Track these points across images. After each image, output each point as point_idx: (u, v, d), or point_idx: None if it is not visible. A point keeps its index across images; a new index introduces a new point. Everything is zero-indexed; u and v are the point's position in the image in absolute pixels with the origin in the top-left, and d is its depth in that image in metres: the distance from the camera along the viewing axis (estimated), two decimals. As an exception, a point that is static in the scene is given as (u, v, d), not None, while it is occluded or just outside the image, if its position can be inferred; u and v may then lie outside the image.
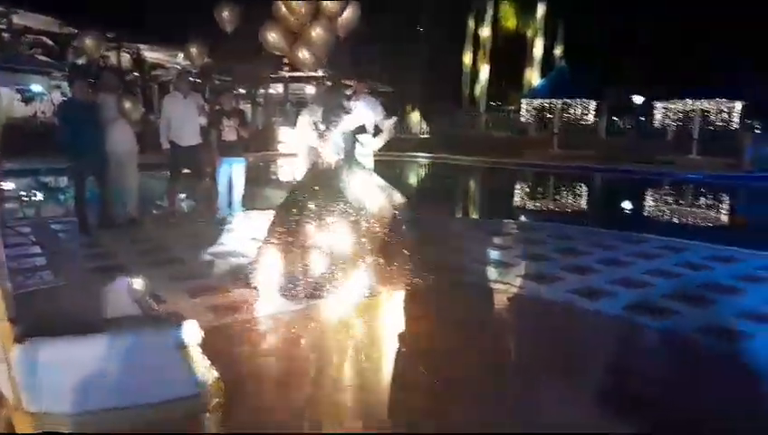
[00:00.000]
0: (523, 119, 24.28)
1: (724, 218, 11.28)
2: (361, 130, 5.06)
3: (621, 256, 6.01)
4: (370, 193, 4.77)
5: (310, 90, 23.08)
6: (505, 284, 5.00)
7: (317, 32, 5.60)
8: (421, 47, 25.05)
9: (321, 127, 4.84)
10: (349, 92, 5.88)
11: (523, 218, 9.92)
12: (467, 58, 31.58)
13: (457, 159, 20.11)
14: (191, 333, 2.24)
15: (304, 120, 5.87)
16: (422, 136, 27.89)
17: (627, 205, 12.99)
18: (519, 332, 4.17)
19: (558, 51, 30.42)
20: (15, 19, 19.60)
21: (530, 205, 12.50)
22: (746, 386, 3.29)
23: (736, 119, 19.80)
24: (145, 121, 7.29)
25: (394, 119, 5.83)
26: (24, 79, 18.91)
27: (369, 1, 6.72)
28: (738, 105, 19.84)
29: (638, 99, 28.93)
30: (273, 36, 5.81)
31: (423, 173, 19.49)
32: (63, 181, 11.13)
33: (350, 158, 4.88)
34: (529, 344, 3.87)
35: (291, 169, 6.72)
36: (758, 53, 22.17)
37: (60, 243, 6.43)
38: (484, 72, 30.84)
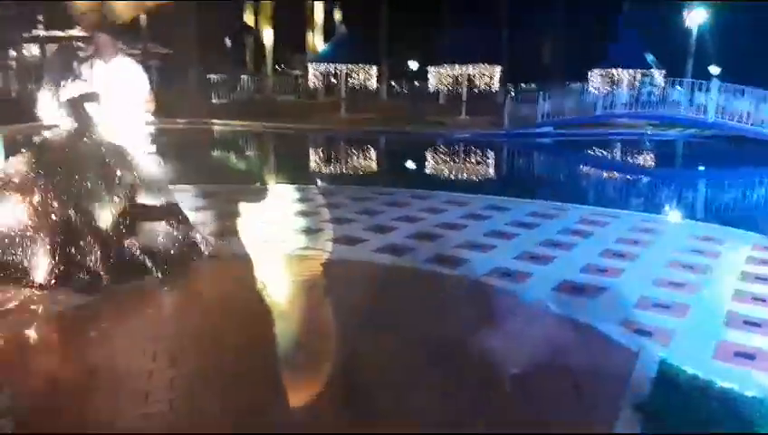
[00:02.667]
0: (311, 84, 24.49)
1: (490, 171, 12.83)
2: (89, 98, 4.52)
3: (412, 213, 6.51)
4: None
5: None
6: (314, 249, 5.10)
7: None
8: (202, 8, 23.53)
9: (50, 93, 4.41)
10: (84, 54, 5.19)
11: (319, 183, 10.12)
12: (249, 20, 30.61)
13: (246, 126, 19.61)
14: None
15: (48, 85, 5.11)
16: (207, 102, 26.51)
17: (413, 164, 13.99)
18: (330, 292, 4.29)
19: (337, 16, 31.00)
20: None
21: (321, 169, 12.78)
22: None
23: (497, 82, 22.40)
24: None
25: (147, 87, 5.21)
26: None
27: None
28: (498, 69, 22.42)
29: (413, 64, 31.04)
30: None
31: (211, 140, 18.62)
32: None
33: (83, 128, 4.45)
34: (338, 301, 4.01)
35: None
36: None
37: None
38: (268, 35, 30.21)
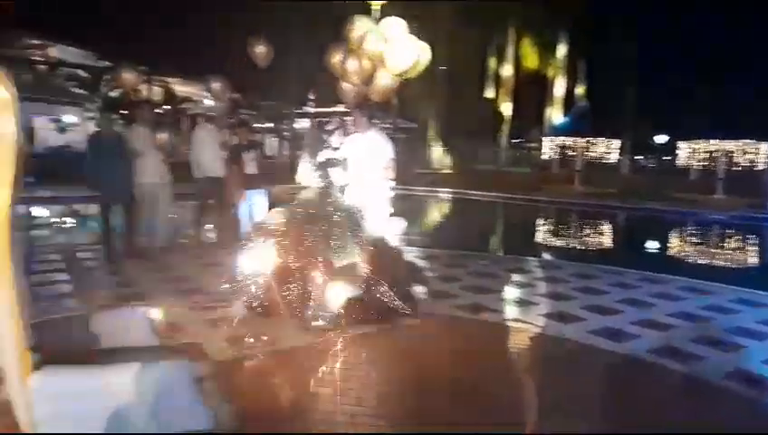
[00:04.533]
0: (545, 156, 24.29)
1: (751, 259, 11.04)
2: (333, 163, 5.13)
3: (641, 297, 5.92)
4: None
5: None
6: (524, 322, 4.95)
7: (376, 77, 5.71)
8: (444, 85, 25.37)
9: (309, 159, 5.19)
10: (331, 127, 5.93)
11: (546, 256, 9.82)
12: (489, 95, 31.90)
13: (481, 195, 20.08)
14: (208, 364, 2.27)
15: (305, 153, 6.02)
16: (444, 171, 28.00)
17: (651, 244, 12.79)
18: (532, 368, 4.10)
19: (579, 90, 30.55)
20: (52, 52, 20.41)
21: (550, 241, 12.39)
22: None
23: (763, 159, 19.56)
24: (173, 153, 7.52)
25: (392, 156, 5.74)
26: (58, 110, 19.55)
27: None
28: (764, 147, 19.61)
29: (661, 138, 28.83)
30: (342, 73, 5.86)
31: (444, 207, 19.47)
32: (92, 209, 11.37)
33: (330, 189, 5.05)
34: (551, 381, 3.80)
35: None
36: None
37: (84, 271, 6.54)
38: (506, 109, 31.06)
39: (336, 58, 5.79)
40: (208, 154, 7.60)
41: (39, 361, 2.02)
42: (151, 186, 7.17)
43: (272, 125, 27.35)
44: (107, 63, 19.96)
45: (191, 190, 8.01)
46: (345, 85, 5.87)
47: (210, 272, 6.36)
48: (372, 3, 6.33)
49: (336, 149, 5.31)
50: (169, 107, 20.95)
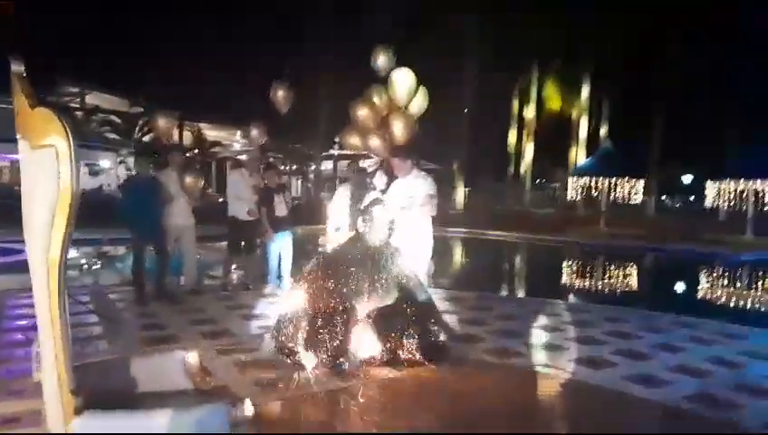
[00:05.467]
0: (569, 196, 24.19)
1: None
2: (376, 203, 5.17)
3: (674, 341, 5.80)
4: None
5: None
6: (554, 368, 4.88)
7: (395, 122, 5.90)
8: (468, 127, 25.69)
9: (351, 202, 5.32)
10: (370, 169, 6.05)
11: (571, 299, 9.70)
12: (512, 136, 32.11)
13: (503, 236, 20.00)
14: (244, 409, 2.30)
15: (340, 195, 6.14)
16: (468, 212, 28.03)
17: (672, 285, 12.53)
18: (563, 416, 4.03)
19: (603, 130, 30.57)
20: (88, 99, 21.22)
21: (577, 284, 12.23)
22: None
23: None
24: (203, 196, 7.71)
25: (432, 193, 5.82)
26: (92, 154, 20.21)
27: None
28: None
29: (687, 178, 28.56)
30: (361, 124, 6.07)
31: (467, 248, 19.40)
32: (121, 251, 11.64)
33: (373, 232, 5.02)
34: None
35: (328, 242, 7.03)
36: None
37: (117, 312, 6.66)
38: (529, 149, 31.17)
39: (362, 115, 5.96)
40: (245, 197, 7.78)
41: (80, 405, 2.07)
42: (180, 228, 7.33)
43: (296, 167, 27.83)
44: (139, 109, 20.69)
45: (217, 232, 8.15)
46: (372, 138, 6.01)
47: (240, 315, 6.42)
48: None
49: (382, 191, 5.38)
50: (198, 151, 21.50)
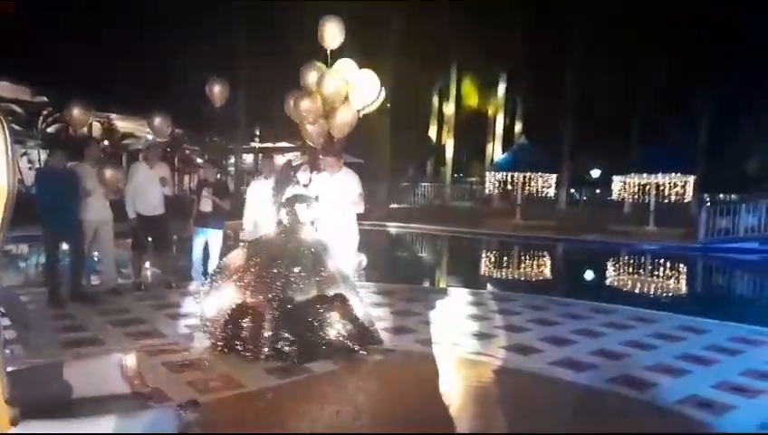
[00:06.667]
0: (487, 190, 25.00)
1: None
2: (302, 199, 5.20)
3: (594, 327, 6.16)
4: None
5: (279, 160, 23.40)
6: (487, 355, 5.06)
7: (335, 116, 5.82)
8: (390, 122, 25.85)
9: (272, 196, 5.26)
10: (296, 164, 6.03)
11: (494, 288, 10.04)
12: (432, 133, 32.75)
13: (423, 229, 20.39)
14: (192, 411, 2.22)
15: (256, 188, 6.07)
16: (390, 206, 28.32)
17: (586, 274, 13.30)
18: (501, 402, 4.19)
19: (518, 127, 31.75)
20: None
21: (499, 274, 12.68)
22: None
23: (690, 192, 20.80)
24: (118, 190, 7.17)
25: (360, 192, 5.93)
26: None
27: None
28: (691, 179, 20.88)
29: (595, 173, 30.28)
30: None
31: (390, 242, 19.62)
32: (32, 250, 10.82)
33: (293, 225, 5.11)
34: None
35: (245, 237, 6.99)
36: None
37: (29, 314, 6.19)
38: (449, 146, 31.87)
39: (294, 102, 5.86)
40: (146, 191, 7.26)
41: (16, 414, 1.92)
42: (97, 224, 6.91)
43: (215, 161, 26.91)
44: (43, 99, 19.30)
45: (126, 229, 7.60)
46: (309, 127, 5.93)
47: (166, 314, 6.17)
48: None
49: (305, 185, 5.34)
50: (108, 143, 20.34)
